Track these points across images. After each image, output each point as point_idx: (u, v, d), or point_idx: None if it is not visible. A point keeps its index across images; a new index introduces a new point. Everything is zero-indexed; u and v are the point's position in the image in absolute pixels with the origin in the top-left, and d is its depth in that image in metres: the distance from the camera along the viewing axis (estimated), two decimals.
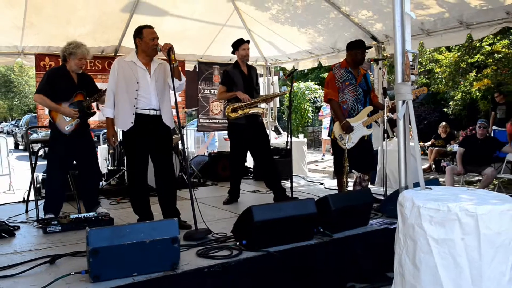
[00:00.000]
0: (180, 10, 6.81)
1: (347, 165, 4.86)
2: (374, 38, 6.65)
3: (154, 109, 4.23)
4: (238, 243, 3.54)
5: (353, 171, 5.02)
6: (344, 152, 4.85)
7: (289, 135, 5.28)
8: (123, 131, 4.28)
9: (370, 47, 6.17)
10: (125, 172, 6.50)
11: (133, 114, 4.16)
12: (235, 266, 3.23)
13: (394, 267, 2.71)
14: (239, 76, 5.41)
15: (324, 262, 3.64)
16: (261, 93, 5.96)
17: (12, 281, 2.94)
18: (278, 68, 9.08)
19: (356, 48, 5.08)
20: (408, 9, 2.81)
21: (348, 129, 4.88)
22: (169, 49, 3.97)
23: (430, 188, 2.85)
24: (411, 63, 2.84)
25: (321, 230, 3.78)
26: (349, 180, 5.21)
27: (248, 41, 5.51)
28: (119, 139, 5.22)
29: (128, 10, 6.68)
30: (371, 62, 5.95)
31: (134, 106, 4.16)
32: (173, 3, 6.69)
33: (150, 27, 4.25)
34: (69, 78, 4.64)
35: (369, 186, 6.46)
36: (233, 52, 5.58)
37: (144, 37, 4.18)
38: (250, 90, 5.39)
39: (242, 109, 5.25)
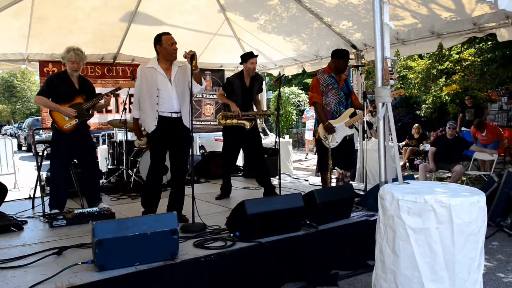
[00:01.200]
0: (174, 20, 6.79)
1: (330, 163, 4.91)
2: (353, 46, 6.72)
3: (175, 112, 4.24)
4: (231, 235, 3.56)
5: (336, 168, 5.07)
6: (328, 151, 4.90)
7: (277, 136, 5.28)
8: (148, 132, 4.30)
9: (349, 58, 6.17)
10: (124, 171, 6.48)
11: (156, 117, 4.18)
12: (230, 255, 3.26)
13: (375, 254, 2.75)
14: (239, 87, 5.37)
15: (311, 251, 3.68)
16: (261, 99, 5.86)
17: (23, 270, 2.93)
18: (265, 74, 9.14)
19: (340, 58, 5.12)
20: (387, 19, 2.86)
21: (330, 130, 4.93)
22: (191, 56, 3.94)
23: (408, 183, 2.90)
24: (390, 68, 2.89)
25: (308, 222, 3.82)
26: (332, 176, 5.26)
27: (257, 56, 5.42)
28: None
29: (127, 20, 6.67)
30: (352, 68, 6.01)
31: (157, 110, 4.17)
32: (168, 14, 6.69)
33: (168, 34, 4.23)
34: (69, 82, 4.64)
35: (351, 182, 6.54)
36: (241, 63, 5.49)
37: (163, 43, 4.16)
38: (246, 100, 5.39)
39: (231, 119, 5.27)
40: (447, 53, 10.96)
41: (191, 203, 3.87)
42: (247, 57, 5.36)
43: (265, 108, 9.32)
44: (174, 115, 4.23)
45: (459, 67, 11.07)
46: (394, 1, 5.23)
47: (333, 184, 5.22)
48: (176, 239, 3.03)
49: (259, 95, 5.68)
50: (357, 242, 3.96)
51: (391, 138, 2.96)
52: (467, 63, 10.86)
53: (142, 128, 4.63)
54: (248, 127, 5.21)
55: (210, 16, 7.08)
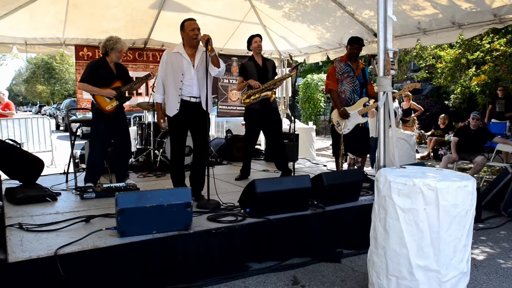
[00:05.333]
0: (202, 8, 7.03)
1: (342, 149, 5.11)
2: (376, 35, 6.80)
3: (194, 97, 4.42)
4: (242, 211, 3.85)
5: (348, 153, 5.26)
6: (340, 137, 5.10)
7: (293, 122, 5.52)
8: (168, 116, 4.48)
9: (363, 46, 6.13)
10: (151, 151, 6.87)
11: (179, 102, 4.38)
12: (239, 229, 3.55)
13: (370, 232, 2.99)
14: (253, 67, 5.68)
15: (317, 230, 3.92)
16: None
17: (55, 234, 3.31)
18: (291, 61, 9.33)
19: (351, 44, 5.37)
20: (390, 13, 3.02)
21: (345, 116, 5.12)
22: (207, 40, 4.09)
23: (404, 167, 3.10)
24: (391, 59, 3.06)
25: (315, 202, 4.06)
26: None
27: (258, 35, 5.76)
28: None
29: (156, 7, 6.97)
30: (369, 57, 6.14)
31: (179, 95, 4.38)
32: (196, 2, 6.93)
33: (191, 19, 4.38)
34: (108, 68, 5.01)
35: (370, 169, 6.70)
36: (248, 48, 5.84)
37: (185, 29, 4.32)
38: (263, 79, 5.63)
39: (254, 94, 5.53)
40: (477, 42, 10.79)
41: (211, 182, 4.16)
42: (251, 38, 5.78)
43: (290, 94, 9.54)
44: (193, 100, 4.42)
45: (489, 57, 10.88)
46: None
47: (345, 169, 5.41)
48: (190, 211, 3.34)
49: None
50: (362, 224, 4.11)
51: (390, 125, 3.14)
52: (498, 53, 10.67)
53: None
54: (272, 96, 5.48)
55: (236, 3, 7.29)
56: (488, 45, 10.74)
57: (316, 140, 10.28)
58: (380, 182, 2.83)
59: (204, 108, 4.42)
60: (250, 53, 5.94)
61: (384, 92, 3.10)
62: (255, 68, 5.67)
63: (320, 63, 20.31)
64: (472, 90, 11.95)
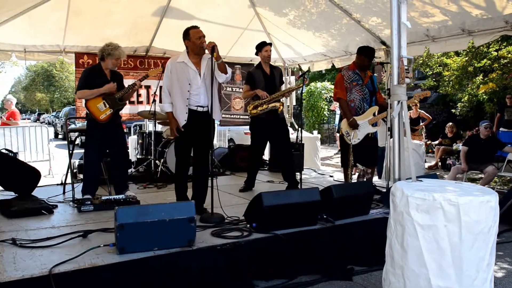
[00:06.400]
0: (205, 15, 6.95)
1: (351, 159, 4.97)
2: (383, 42, 6.69)
3: (201, 106, 4.32)
4: (248, 226, 3.69)
5: (357, 164, 5.12)
6: (349, 147, 4.96)
7: (299, 131, 5.38)
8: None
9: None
10: (152, 161, 6.72)
11: (186, 112, 4.27)
12: (245, 245, 3.38)
13: (386, 249, 2.83)
14: (260, 76, 5.55)
15: (326, 245, 3.75)
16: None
17: (50, 250, 3.16)
18: (295, 69, 9.25)
19: (364, 55, 5.19)
20: (404, 19, 2.90)
21: (354, 126, 4.99)
22: (212, 47, 3.99)
23: (421, 180, 2.95)
24: (406, 67, 2.94)
25: (325, 216, 3.89)
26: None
27: (270, 44, 5.65)
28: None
29: (159, 14, 6.90)
30: (377, 65, 6.03)
31: (187, 105, 4.27)
32: (199, 9, 6.85)
33: (196, 27, 4.27)
34: (103, 75, 4.87)
35: (376, 180, 6.54)
36: (256, 54, 5.71)
37: (191, 38, 4.21)
38: (271, 88, 5.50)
39: (262, 105, 5.40)
40: (484, 50, 10.69)
41: (214, 194, 3.99)
42: (261, 46, 5.61)
43: (294, 103, 9.42)
44: (200, 109, 4.31)
45: (497, 65, 10.77)
46: None
47: (354, 181, 5.26)
48: (193, 227, 3.18)
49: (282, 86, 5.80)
50: (374, 239, 3.97)
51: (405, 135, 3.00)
52: (505, 61, 10.56)
53: None
54: (280, 107, 5.36)
55: (240, 11, 7.20)
56: (496, 53, 10.64)
57: (320, 149, 10.14)
58: (396, 197, 2.68)
59: (213, 116, 4.27)
60: (254, 61, 5.83)
61: (399, 102, 2.96)
62: (263, 76, 5.54)
63: (324, 71, 20.31)
64: (479, 98, 11.82)
